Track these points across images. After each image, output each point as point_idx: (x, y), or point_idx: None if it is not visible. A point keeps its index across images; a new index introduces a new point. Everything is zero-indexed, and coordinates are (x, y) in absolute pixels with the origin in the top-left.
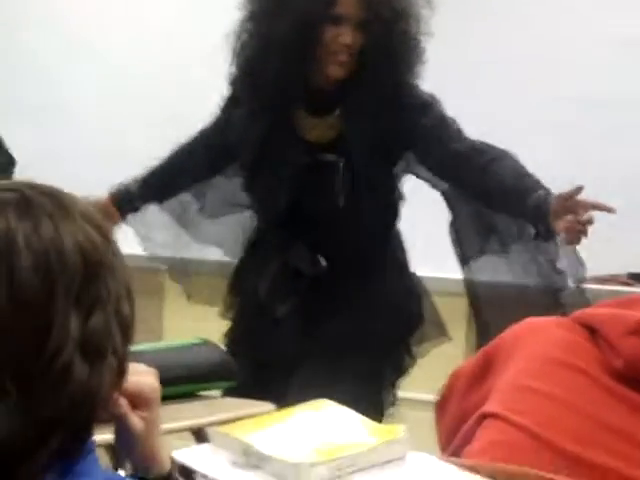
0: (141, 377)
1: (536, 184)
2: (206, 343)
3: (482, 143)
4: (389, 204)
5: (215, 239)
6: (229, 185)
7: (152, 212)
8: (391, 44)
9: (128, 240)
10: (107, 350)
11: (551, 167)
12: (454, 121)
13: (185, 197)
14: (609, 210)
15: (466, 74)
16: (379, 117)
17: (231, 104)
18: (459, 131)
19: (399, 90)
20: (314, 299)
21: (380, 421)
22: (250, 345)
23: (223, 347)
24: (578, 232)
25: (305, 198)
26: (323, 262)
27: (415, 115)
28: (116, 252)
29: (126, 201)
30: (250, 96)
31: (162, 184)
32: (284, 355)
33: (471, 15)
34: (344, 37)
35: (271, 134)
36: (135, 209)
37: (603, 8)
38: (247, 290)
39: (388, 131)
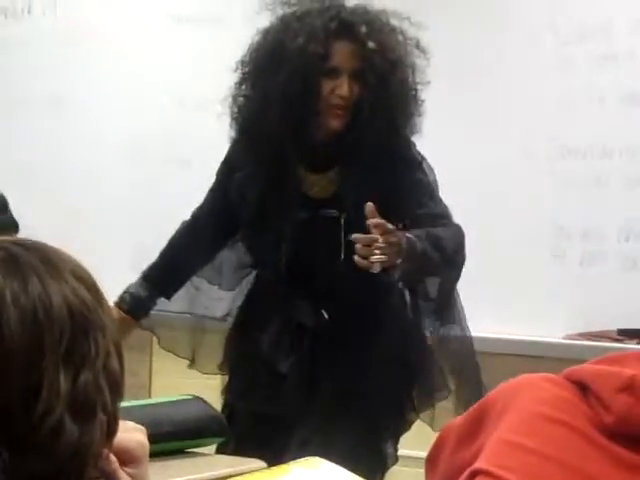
0: (129, 434)
1: (422, 235)
2: (195, 399)
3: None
4: None
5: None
6: (235, 253)
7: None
8: (387, 93)
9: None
10: (97, 408)
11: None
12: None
13: (199, 283)
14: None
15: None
16: (377, 171)
17: (226, 168)
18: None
19: (397, 142)
20: (316, 354)
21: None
22: (250, 399)
23: (212, 404)
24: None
25: (306, 253)
26: (326, 315)
27: (412, 173)
28: (105, 308)
29: (136, 307)
30: (250, 156)
31: (169, 278)
32: (285, 410)
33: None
34: (341, 89)
35: (272, 192)
36: (147, 311)
37: None
38: (248, 343)
39: (386, 186)
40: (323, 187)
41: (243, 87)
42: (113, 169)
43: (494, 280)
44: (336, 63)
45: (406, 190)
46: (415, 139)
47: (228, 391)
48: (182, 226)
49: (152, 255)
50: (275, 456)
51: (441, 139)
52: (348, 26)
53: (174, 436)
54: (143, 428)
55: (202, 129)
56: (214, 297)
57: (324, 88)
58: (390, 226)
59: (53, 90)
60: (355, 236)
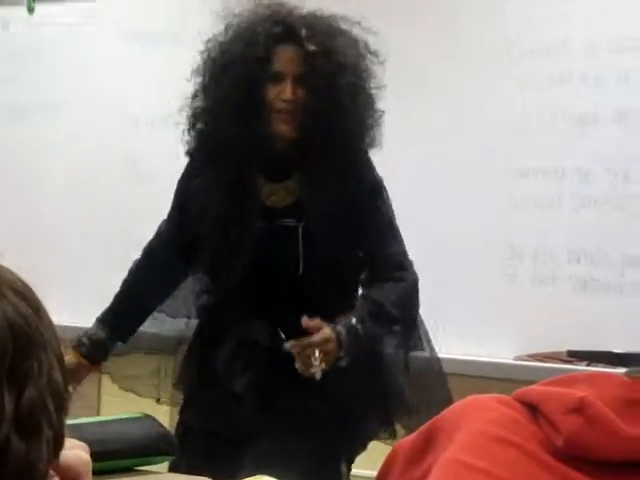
0: (70, 451)
1: (364, 313)
2: (145, 417)
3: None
4: (353, 274)
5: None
6: (198, 280)
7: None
8: (333, 96)
9: (63, 311)
10: (42, 424)
11: None
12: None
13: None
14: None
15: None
16: (336, 179)
17: (184, 185)
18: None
19: (353, 149)
20: (272, 372)
21: None
22: (205, 419)
23: (162, 422)
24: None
25: (263, 266)
26: (282, 335)
27: (373, 198)
28: (47, 324)
29: (96, 351)
30: (208, 166)
31: (126, 322)
32: (240, 429)
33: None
34: (284, 93)
35: (229, 201)
36: (106, 355)
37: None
38: (204, 362)
39: (345, 200)
40: (281, 196)
41: (197, 98)
42: (70, 184)
43: (445, 299)
44: (279, 67)
45: (367, 214)
46: (373, 155)
47: (184, 410)
48: (135, 265)
49: (107, 283)
50: (228, 475)
51: (395, 157)
52: (291, 30)
53: (123, 454)
54: (85, 445)
55: (160, 146)
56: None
57: (269, 93)
58: (327, 332)
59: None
60: (291, 344)
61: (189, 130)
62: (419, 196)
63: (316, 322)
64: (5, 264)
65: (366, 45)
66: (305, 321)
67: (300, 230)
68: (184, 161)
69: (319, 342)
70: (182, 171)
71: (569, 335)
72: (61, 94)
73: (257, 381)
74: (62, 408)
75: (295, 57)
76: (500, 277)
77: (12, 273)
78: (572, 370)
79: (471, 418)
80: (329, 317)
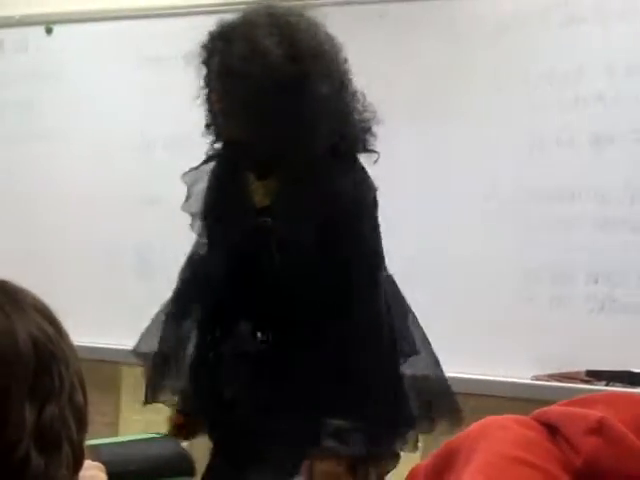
0: (86, 472)
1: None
2: (163, 437)
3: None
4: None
5: None
6: None
7: None
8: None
9: (83, 331)
10: (62, 440)
11: None
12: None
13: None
14: None
15: None
16: (301, 187)
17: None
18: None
19: (302, 154)
20: (260, 377)
21: None
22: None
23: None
24: None
25: (246, 266)
26: (260, 337)
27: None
28: (68, 343)
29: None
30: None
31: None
32: (235, 439)
33: None
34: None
35: (221, 198)
36: None
37: None
38: (200, 373)
39: (316, 211)
40: (262, 195)
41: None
42: (80, 206)
43: (462, 321)
44: None
45: (344, 211)
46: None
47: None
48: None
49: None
50: None
51: (411, 179)
52: None
53: (142, 474)
54: (101, 465)
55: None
56: None
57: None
58: None
59: (24, 127)
60: None
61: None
62: (436, 218)
63: None
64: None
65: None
66: None
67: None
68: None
69: None
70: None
71: (588, 355)
72: (77, 117)
73: (246, 387)
74: (82, 426)
75: None
76: (518, 298)
77: (30, 291)
78: (591, 390)
79: (489, 439)
80: (311, 318)
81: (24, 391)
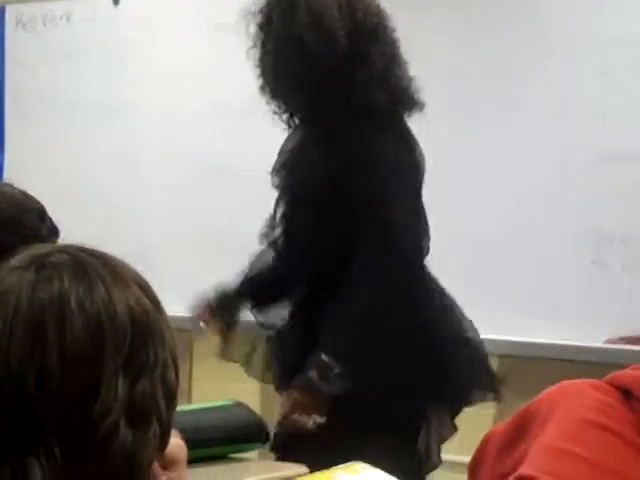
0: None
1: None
2: (236, 405)
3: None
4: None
5: None
6: None
7: None
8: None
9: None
10: (152, 417)
11: None
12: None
13: None
14: None
15: None
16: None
17: None
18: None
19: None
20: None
21: None
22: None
23: (253, 408)
24: None
25: None
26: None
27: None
28: (165, 320)
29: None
30: None
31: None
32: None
33: None
34: None
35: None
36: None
37: None
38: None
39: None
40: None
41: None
42: (154, 177)
43: (536, 284)
44: None
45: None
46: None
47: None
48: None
49: (191, 264)
50: (313, 461)
51: (484, 141)
52: None
53: (216, 442)
54: (177, 431)
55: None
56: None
57: None
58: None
59: (99, 100)
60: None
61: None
62: (505, 180)
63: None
64: None
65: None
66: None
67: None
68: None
69: (292, 410)
70: None
71: None
72: (146, 90)
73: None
74: (172, 405)
75: None
76: (589, 262)
77: (133, 268)
78: None
79: (565, 404)
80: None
81: (119, 362)
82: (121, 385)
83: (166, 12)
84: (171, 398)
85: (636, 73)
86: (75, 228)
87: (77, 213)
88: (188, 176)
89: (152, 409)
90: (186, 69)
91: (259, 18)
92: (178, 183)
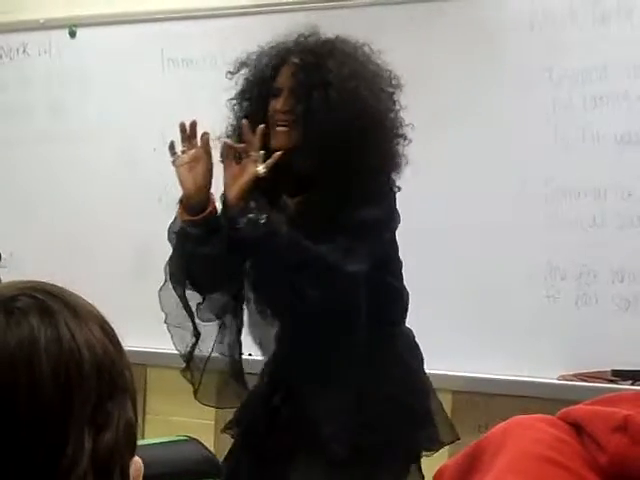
0: None
1: None
2: (189, 440)
3: None
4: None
5: None
6: None
7: None
8: (323, 106)
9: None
10: (116, 468)
11: None
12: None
13: None
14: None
15: None
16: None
17: None
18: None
19: (358, 170)
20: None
21: None
22: (246, 431)
23: (206, 444)
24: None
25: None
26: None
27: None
28: (124, 357)
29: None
30: None
31: None
32: (280, 448)
33: None
34: (278, 104)
35: None
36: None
37: None
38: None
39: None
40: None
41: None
42: (105, 207)
43: (488, 320)
44: (279, 83)
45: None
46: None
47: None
48: None
49: (144, 295)
50: None
51: (440, 177)
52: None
53: (167, 477)
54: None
55: None
56: None
57: (270, 108)
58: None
59: (47, 126)
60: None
61: None
62: (461, 218)
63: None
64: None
65: (369, 52)
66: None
67: None
68: None
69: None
70: None
71: (613, 354)
72: (103, 117)
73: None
74: (132, 448)
75: (292, 72)
76: (543, 297)
77: (90, 304)
78: (617, 389)
79: (516, 438)
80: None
81: (86, 414)
82: (87, 438)
83: (122, 45)
84: (132, 443)
85: (591, 107)
86: (27, 258)
87: (31, 243)
88: (139, 209)
89: (116, 460)
90: (139, 103)
91: None
92: (129, 213)
